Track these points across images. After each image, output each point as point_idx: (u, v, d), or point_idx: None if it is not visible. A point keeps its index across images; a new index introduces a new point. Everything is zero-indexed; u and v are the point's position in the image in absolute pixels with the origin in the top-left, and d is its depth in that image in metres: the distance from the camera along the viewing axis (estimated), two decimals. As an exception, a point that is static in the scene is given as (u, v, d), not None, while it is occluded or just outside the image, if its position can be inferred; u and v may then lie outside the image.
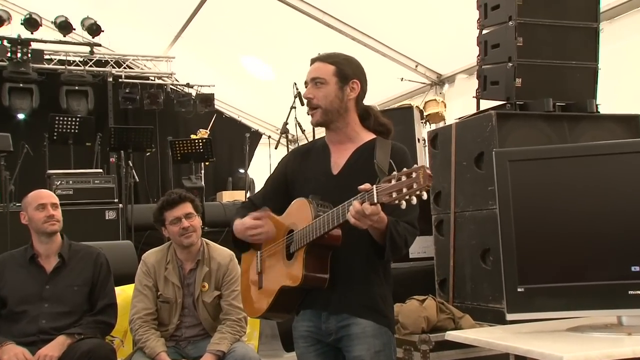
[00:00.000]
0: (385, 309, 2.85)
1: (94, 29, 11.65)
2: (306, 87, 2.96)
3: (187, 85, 13.34)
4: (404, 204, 2.32)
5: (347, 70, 2.92)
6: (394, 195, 2.32)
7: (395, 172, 2.37)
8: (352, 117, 2.94)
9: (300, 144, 3.69)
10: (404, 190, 2.30)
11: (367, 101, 3.03)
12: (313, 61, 2.98)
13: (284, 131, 8.43)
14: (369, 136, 2.95)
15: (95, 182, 8.37)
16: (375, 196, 2.39)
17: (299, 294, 2.86)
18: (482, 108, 5.19)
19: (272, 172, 3.23)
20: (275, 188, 3.13)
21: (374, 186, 2.40)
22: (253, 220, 2.90)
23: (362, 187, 2.45)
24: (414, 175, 2.30)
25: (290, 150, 3.30)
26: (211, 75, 13.26)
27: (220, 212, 9.30)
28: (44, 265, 4.18)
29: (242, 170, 12.93)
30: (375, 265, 2.83)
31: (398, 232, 2.65)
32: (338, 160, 2.94)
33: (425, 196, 2.29)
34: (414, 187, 2.28)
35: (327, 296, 2.79)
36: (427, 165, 5.75)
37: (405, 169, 2.34)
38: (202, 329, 4.26)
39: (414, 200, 2.30)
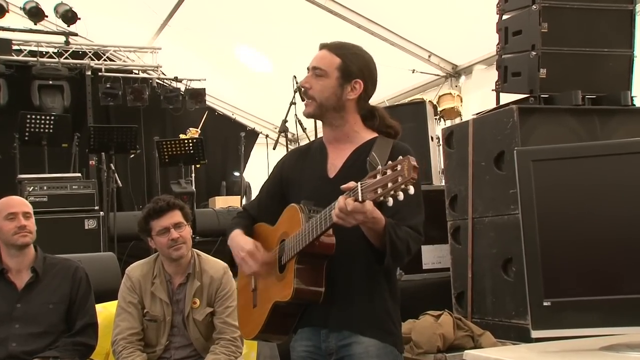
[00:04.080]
0: (391, 324, 2.85)
1: (70, 17, 11.56)
2: (308, 72, 2.98)
3: (175, 79, 13.34)
4: (390, 201, 2.31)
5: (353, 68, 2.91)
6: (379, 191, 2.32)
7: (379, 167, 2.36)
8: (351, 116, 2.95)
9: (300, 144, 3.72)
10: (389, 185, 2.29)
11: (375, 96, 3.03)
12: (321, 47, 2.99)
13: (283, 130, 8.40)
14: (370, 135, 2.96)
15: (73, 187, 8.36)
16: (359, 194, 2.38)
17: (295, 310, 2.86)
18: (502, 102, 5.18)
19: (268, 176, 3.24)
20: (271, 195, 3.15)
21: (359, 183, 2.40)
22: (253, 246, 2.93)
23: (345, 185, 2.46)
24: (398, 167, 2.29)
25: (288, 151, 3.32)
26: (202, 68, 13.27)
27: (213, 220, 9.32)
28: (15, 282, 4.14)
29: (237, 174, 12.94)
30: (378, 275, 2.83)
31: (398, 235, 2.64)
32: (335, 161, 2.95)
33: (412, 190, 2.28)
34: (399, 180, 2.28)
35: (325, 311, 2.80)
36: (442, 167, 5.75)
37: (390, 162, 2.34)
38: (194, 349, 4.24)
39: (401, 196, 2.29)
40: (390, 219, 2.61)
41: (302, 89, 2.96)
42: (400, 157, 2.31)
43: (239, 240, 2.99)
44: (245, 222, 3.13)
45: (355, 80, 2.90)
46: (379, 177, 2.34)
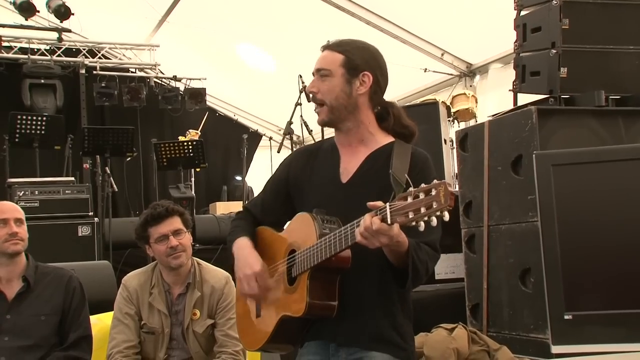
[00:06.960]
0: (403, 340, 2.86)
1: (63, 12, 11.49)
2: (313, 77, 2.97)
3: (174, 78, 13.36)
4: (422, 226, 2.32)
5: (358, 61, 2.90)
6: (411, 215, 2.32)
7: (412, 189, 2.35)
8: (365, 115, 2.94)
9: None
10: (422, 210, 2.30)
11: (385, 96, 3.02)
12: (323, 49, 2.98)
13: (288, 132, 8.40)
14: (386, 139, 2.95)
15: (66, 192, 8.35)
16: (388, 216, 2.38)
17: (303, 323, 2.86)
18: (520, 103, 5.18)
19: (272, 174, 3.24)
20: (275, 195, 3.15)
21: (387, 204, 2.40)
22: (263, 269, 2.93)
23: (372, 203, 2.45)
24: (433, 192, 2.29)
25: (294, 150, 3.29)
26: (202, 67, 13.28)
27: (213, 227, 9.32)
28: (5, 291, 4.13)
29: (238, 178, 12.96)
30: (390, 289, 2.83)
31: (420, 258, 2.65)
32: (348, 166, 2.94)
33: (447, 217, 2.29)
34: (434, 206, 2.27)
35: (335, 325, 2.80)
36: (456, 172, 5.75)
37: (423, 185, 2.33)
38: (193, 364, 4.25)
39: (434, 222, 2.30)
40: (412, 240, 2.61)
41: (310, 95, 2.95)
42: (435, 181, 2.31)
43: (247, 255, 2.99)
44: (249, 228, 3.12)
45: (362, 73, 2.89)
46: (410, 199, 2.34)
